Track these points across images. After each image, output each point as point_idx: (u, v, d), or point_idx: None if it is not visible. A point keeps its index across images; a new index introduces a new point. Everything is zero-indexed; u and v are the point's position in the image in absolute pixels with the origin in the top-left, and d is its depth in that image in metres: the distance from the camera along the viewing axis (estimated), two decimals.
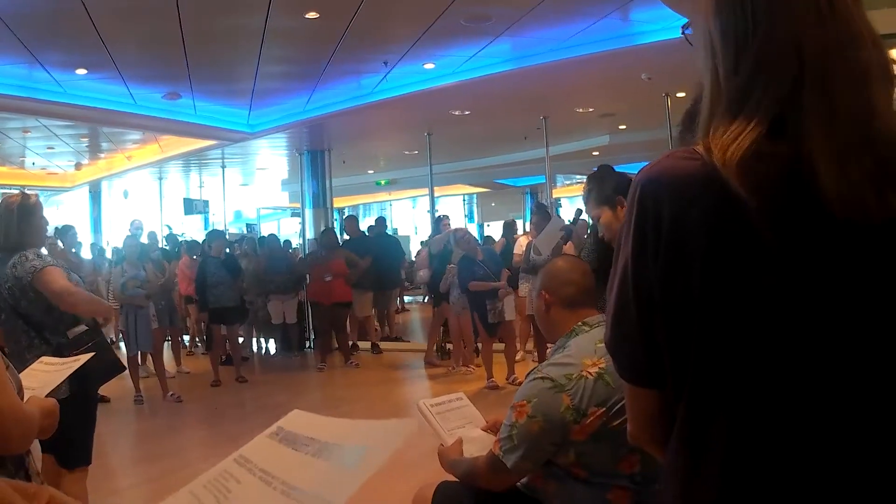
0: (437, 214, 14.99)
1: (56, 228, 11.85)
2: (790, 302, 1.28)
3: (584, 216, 7.45)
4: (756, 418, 1.30)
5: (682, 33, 1.59)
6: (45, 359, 3.55)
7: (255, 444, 1.19)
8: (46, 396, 2.44)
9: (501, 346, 10.43)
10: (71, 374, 3.99)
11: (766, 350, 1.29)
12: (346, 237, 14.58)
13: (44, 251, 4.77)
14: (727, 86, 1.36)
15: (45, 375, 3.32)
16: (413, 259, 21.43)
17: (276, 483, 1.06)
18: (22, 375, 3.32)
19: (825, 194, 1.24)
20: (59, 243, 11.83)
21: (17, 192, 4.91)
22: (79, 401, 4.33)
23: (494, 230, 23.77)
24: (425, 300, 19.26)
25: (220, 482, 1.12)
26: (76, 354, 3.79)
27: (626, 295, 1.41)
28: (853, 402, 1.27)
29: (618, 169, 6.01)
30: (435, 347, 12.37)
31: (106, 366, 4.77)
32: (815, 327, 1.28)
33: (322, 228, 14.79)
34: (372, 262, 13.17)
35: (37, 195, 4.88)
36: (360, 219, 21.90)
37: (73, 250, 12.65)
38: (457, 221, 27.35)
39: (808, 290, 1.28)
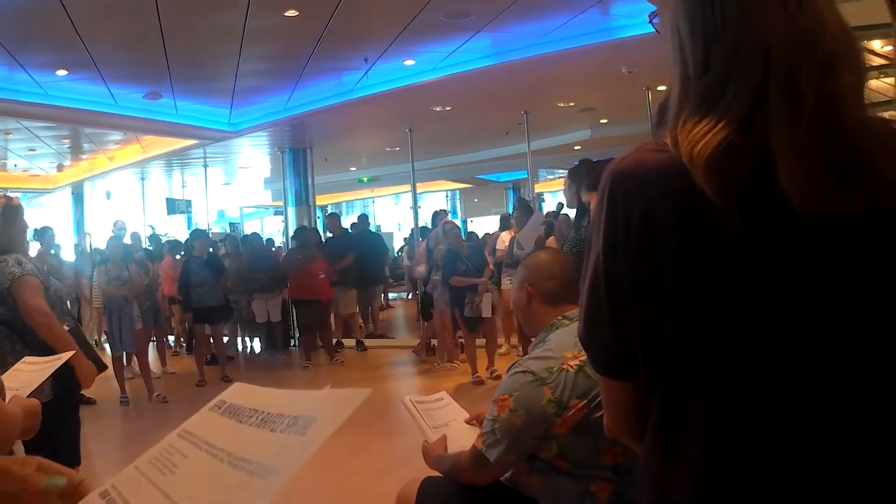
0: (436, 209, 15.01)
1: (34, 230, 11.80)
2: (762, 296, 1.29)
3: (566, 210, 7.46)
4: (730, 411, 1.31)
5: (650, 21, 1.60)
6: (27, 358, 3.53)
7: (197, 418, 1.18)
8: (29, 397, 2.44)
9: (484, 341, 10.46)
10: (53, 376, 3.96)
11: (737, 345, 1.30)
12: (329, 234, 14.59)
13: (23, 258, 4.64)
14: (697, 81, 1.37)
15: (27, 375, 3.30)
16: (396, 255, 21.45)
17: (223, 455, 1.06)
18: (4, 376, 3.32)
19: (788, 197, 1.25)
20: (38, 245, 11.79)
21: (3, 196, 4.84)
22: (62, 401, 4.31)
23: (478, 226, 23.80)
24: (409, 297, 19.24)
25: (165, 457, 1.12)
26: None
27: (597, 289, 1.42)
28: (829, 400, 1.28)
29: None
30: (422, 343, 12.38)
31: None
32: (787, 321, 1.29)
33: (304, 226, 14.72)
34: (355, 260, 13.18)
35: (18, 198, 4.83)
36: (344, 216, 21.86)
37: (53, 252, 12.61)
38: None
39: (779, 285, 1.29)
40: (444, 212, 13.98)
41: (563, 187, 6.42)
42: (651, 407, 1.41)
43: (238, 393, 1.20)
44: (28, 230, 4.93)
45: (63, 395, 4.32)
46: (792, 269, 1.29)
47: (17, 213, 4.63)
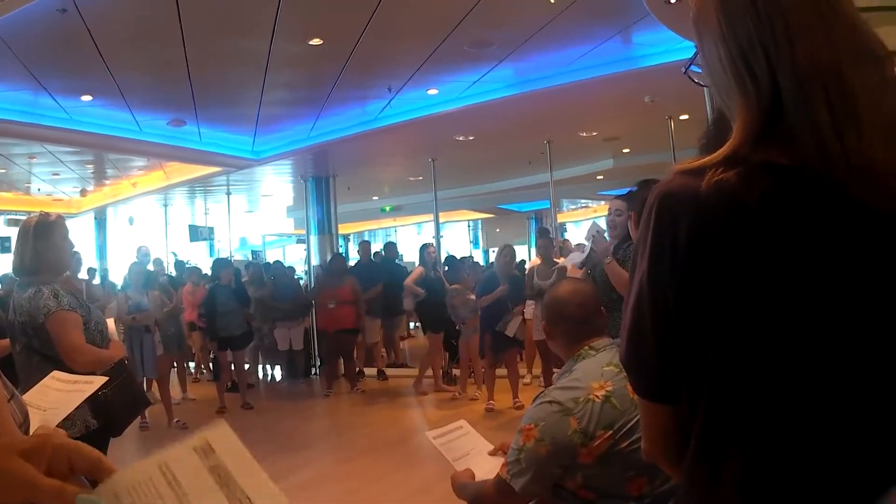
0: (423, 243, 15.05)
1: None
2: (812, 316, 1.26)
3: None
4: (774, 435, 1.28)
5: (685, 72, 1.57)
6: (56, 374, 3.47)
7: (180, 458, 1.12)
8: (58, 426, 2.39)
9: (505, 371, 10.44)
10: (95, 410, 3.84)
11: (786, 365, 1.27)
12: (355, 262, 14.62)
13: (60, 290, 4.26)
14: (753, 110, 1.34)
15: (56, 394, 3.25)
16: None
17: None
18: (33, 391, 3.28)
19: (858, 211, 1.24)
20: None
21: (39, 213, 4.63)
22: (103, 436, 4.16)
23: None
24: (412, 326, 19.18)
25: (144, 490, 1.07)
26: (103, 385, 3.60)
27: (641, 311, 1.40)
28: (882, 425, 1.25)
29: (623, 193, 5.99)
30: (441, 372, 12.35)
31: (133, 399, 4.63)
32: (839, 342, 1.26)
33: (330, 255, 14.82)
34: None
35: (59, 215, 4.55)
36: None
37: (88, 277, 12.65)
38: (462, 248, 27.34)
39: (833, 306, 1.26)
40: (431, 244, 14.01)
41: (608, 215, 6.23)
42: (692, 431, 1.38)
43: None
44: (70, 251, 4.66)
45: (104, 429, 4.19)
46: (850, 292, 1.26)
47: (51, 229, 4.28)
